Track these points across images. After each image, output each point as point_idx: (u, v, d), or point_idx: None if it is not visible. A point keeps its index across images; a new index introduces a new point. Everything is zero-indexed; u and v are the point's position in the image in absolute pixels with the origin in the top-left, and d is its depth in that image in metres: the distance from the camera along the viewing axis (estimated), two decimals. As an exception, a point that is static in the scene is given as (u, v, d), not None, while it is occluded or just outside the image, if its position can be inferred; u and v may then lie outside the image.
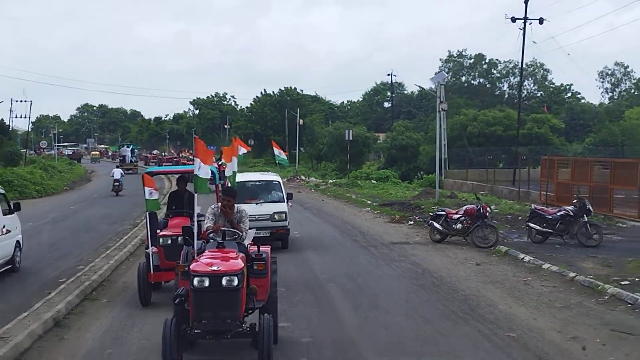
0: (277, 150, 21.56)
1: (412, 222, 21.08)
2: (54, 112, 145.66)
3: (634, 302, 10.25)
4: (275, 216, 16.52)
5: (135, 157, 68.01)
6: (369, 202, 28.14)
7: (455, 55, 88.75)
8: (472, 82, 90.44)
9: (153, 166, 52.10)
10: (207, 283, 7.01)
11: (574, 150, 51.31)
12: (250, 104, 79.48)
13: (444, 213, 17.29)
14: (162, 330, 7.07)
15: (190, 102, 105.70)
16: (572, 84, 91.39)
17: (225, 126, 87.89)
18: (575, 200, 17.02)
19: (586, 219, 16.21)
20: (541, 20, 34.18)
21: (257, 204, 16.67)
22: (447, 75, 49.86)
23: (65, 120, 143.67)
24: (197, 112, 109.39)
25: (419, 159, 53.04)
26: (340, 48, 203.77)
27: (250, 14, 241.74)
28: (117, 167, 39.23)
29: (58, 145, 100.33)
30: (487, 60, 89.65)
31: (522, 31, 34.91)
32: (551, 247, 15.75)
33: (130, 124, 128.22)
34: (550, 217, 16.59)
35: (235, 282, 7.07)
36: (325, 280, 12.71)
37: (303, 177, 47.82)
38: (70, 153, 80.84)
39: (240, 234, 8.19)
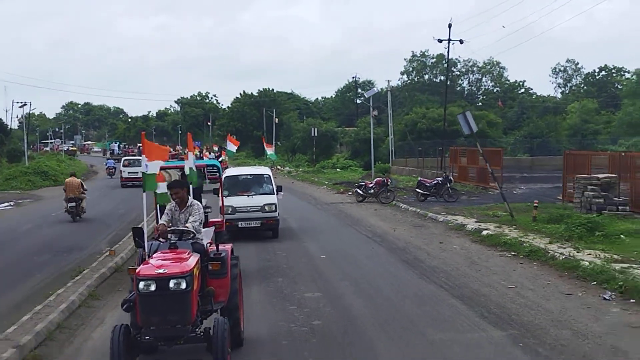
0: (268, 150, 31.75)
1: (350, 193, 32.00)
2: (38, 111, 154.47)
3: (433, 218, 21.29)
4: (266, 207, 18.16)
5: (121, 150, 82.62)
6: (326, 182, 39.22)
7: (418, 55, 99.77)
8: (435, 80, 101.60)
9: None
10: (153, 287, 6.85)
11: (506, 141, 62.64)
12: (232, 103, 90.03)
13: (363, 183, 28.36)
14: (110, 337, 7.00)
15: (175, 101, 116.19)
16: (525, 80, 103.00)
17: (208, 123, 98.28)
18: (443, 175, 28.11)
19: (448, 186, 27.26)
20: (461, 41, 45.12)
21: (248, 196, 18.53)
22: (378, 89, 60.73)
23: (51, 117, 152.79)
24: (179, 108, 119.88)
25: (379, 150, 63.97)
26: (321, 41, 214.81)
27: (232, 7, 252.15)
28: (109, 159, 55.23)
29: (50, 142, 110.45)
30: (447, 59, 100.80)
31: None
32: (426, 203, 26.63)
33: (116, 121, 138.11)
34: (428, 184, 27.60)
35: (184, 285, 6.89)
36: (288, 219, 23.28)
37: (279, 167, 58.59)
38: (67, 149, 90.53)
39: (193, 232, 7.97)
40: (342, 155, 74.91)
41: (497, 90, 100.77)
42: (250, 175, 19.88)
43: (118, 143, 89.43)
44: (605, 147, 63.32)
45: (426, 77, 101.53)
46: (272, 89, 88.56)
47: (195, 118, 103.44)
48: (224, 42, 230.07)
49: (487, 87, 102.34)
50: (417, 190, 27.85)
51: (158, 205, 11.60)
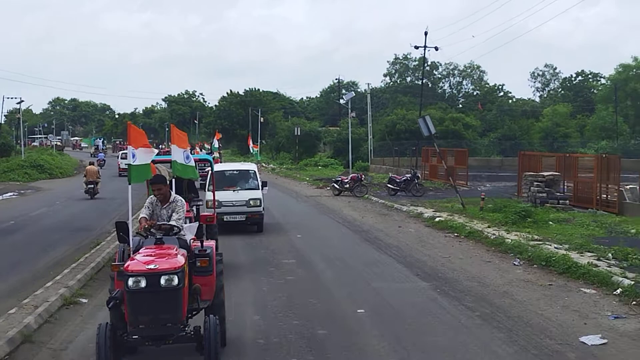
0: (253, 149, 34.76)
1: (328, 188, 35.08)
2: (24, 106, 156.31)
3: (397, 208, 24.45)
4: (251, 202, 18.80)
5: (104, 146, 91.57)
6: (307, 178, 42.34)
7: (400, 58, 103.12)
8: (416, 82, 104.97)
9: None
10: (143, 283, 6.62)
11: (481, 143, 66.10)
12: (219, 102, 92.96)
13: (340, 179, 31.51)
14: (96, 336, 6.79)
15: (162, 99, 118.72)
16: (504, 84, 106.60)
17: (195, 121, 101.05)
18: (411, 172, 31.33)
19: (416, 182, 30.45)
20: (437, 48, 48.38)
21: (234, 191, 19.06)
22: (354, 93, 64.02)
23: (37, 113, 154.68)
24: (165, 105, 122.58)
25: (360, 150, 67.20)
26: (307, 41, 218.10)
27: (218, 5, 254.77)
28: (99, 152, 66.91)
29: (38, 137, 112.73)
30: (429, 63, 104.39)
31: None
32: (396, 197, 29.73)
33: (103, 118, 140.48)
34: (398, 180, 30.77)
35: (176, 282, 6.69)
36: (271, 209, 26.24)
37: (264, 165, 61.62)
38: (58, 144, 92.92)
39: (179, 228, 7.88)
40: (325, 154, 77.98)
41: (477, 94, 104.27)
42: (237, 171, 20.47)
43: (102, 139, 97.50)
44: (575, 149, 67.08)
45: (408, 79, 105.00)
46: (258, 89, 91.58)
47: (182, 116, 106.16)
48: (210, 40, 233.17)
49: (467, 90, 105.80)
50: (389, 185, 31.00)
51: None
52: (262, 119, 76.45)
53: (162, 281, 6.68)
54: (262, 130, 78.23)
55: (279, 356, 8.16)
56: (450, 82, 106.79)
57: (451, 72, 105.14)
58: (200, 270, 7.63)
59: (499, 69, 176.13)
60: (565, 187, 26.23)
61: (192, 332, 7.08)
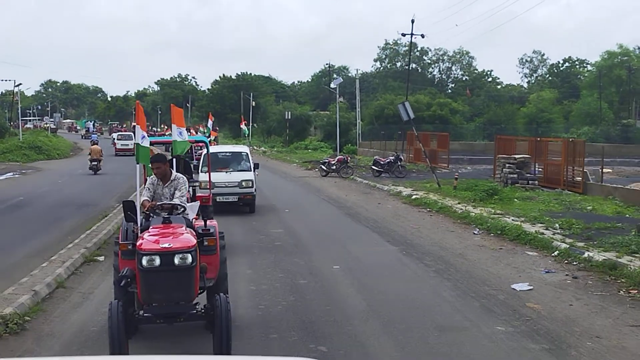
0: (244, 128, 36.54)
1: (316, 169, 37.04)
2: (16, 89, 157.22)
3: (379, 188, 26.46)
4: (243, 183, 19.27)
5: (95, 128, 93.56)
6: (297, 161, 44.34)
7: (391, 44, 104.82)
8: (406, 67, 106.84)
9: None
10: (157, 262, 6.71)
11: (467, 127, 68.19)
12: (211, 85, 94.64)
13: (327, 161, 33.47)
14: (108, 315, 6.85)
15: (155, 82, 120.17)
16: (492, 70, 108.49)
17: (187, 104, 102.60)
18: (395, 154, 33.32)
19: (399, 164, 32.45)
20: (423, 36, 50.39)
21: (227, 172, 19.56)
22: (342, 79, 65.87)
23: (29, 95, 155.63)
24: (158, 89, 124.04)
25: (349, 134, 69.17)
26: (300, 25, 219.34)
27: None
28: (92, 134, 68.82)
29: (30, 119, 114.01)
30: (419, 49, 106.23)
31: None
32: (380, 178, 31.69)
33: (96, 100, 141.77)
34: (382, 162, 32.76)
35: (190, 260, 6.80)
36: (262, 188, 28.22)
37: (255, 147, 63.50)
38: (52, 126, 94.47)
39: (183, 207, 7.89)
40: (316, 137, 79.99)
41: (466, 79, 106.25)
42: (230, 153, 21.02)
43: (93, 122, 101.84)
44: (558, 134, 69.29)
45: (398, 64, 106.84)
46: (250, 73, 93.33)
47: (174, 99, 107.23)
48: (202, 23, 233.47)
49: (456, 76, 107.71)
50: (373, 167, 32.98)
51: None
52: (254, 103, 78.23)
53: (176, 260, 6.75)
54: (254, 114, 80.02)
55: (268, 297, 10.15)
56: (439, 68, 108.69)
57: (441, 57, 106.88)
58: (206, 250, 7.60)
59: (489, 55, 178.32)
60: (537, 169, 28.28)
61: (202, 311, 7.21)
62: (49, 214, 19.94)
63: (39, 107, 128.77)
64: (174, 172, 8.64)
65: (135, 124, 8.42)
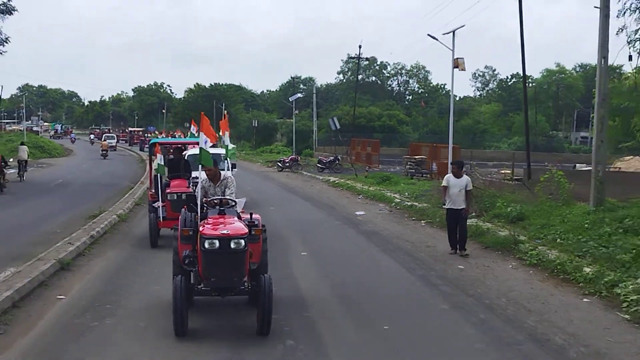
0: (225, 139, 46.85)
1: (275, 167, 48.10)
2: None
3: (317, 178, 37.78)
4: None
5: (63, 130, 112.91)
6: (261, 161, 55.67)
7: (353, 57, 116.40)
8: (367, 80, 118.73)
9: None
10: (217, 245, 8.22)
11: (413, 136, 79.90)
12: (187, 94, 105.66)
13: (282, 159, 44.81)
14: (173, 287, 8.36)
15: (132, 90, 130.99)
16: (445, 84, 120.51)
17: (163, 111, 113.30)
18: (334, 155, 44.75)
19: (337, 162, 43.82)
20: (367, 59, 61.84)
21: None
22: (300, 94, 77.22)
23: (5, 98, 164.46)
24: (132, 95, 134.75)
25: (310, 140, 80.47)
26: (271, 31, 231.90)
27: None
28: (71, 134, 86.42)
29: (8, 122, 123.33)
30: (379, 63, 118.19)
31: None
32: (322, 173, 42.86)
33: (72, 105, 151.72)
34: (325, 161, 44.12)
35: (242, 245, 8.30)
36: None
37: (226, 151, 74.55)
38: (36, 129, 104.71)
39: (234, 203, 9.51)
40: (281, 142, 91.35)
41: (422, 92, 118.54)
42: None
43: (61, 125, 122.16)
44: (492, 144, 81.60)
45: (360, 77, 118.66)
46: (223, 84, 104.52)
47: (150, 106, 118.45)
48: (175, 27, 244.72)
49: (413, 89, 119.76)
50: (318, 164, 44.30)
51: (157, 175, 16.19)
52: (226, 111, 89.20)
53: (232, 244, 8.21)
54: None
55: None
56: (398, 81, 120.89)
57: (399, 71, 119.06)
58: (252, 238, 8.84)
59: (444, 68, 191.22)
60: (433, 167, 39.72)
61: (249, 287, 8.78)
62: (86, 190, 30.66)
63: (16, 111, 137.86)
64: (223, 172, 10.24)
65: (200, 131, 9.94)
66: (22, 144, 38.16)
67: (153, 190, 16.56)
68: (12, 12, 34.82)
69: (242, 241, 8.31)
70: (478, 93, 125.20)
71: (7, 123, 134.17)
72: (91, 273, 12.53)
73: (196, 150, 17.29)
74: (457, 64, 23.76)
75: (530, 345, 8.48)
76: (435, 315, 9.88)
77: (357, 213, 22.01)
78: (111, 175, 38.63)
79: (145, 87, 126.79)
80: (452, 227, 14.84)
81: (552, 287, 11.68)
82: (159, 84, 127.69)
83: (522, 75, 31.34)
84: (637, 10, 17.90)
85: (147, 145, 62.72)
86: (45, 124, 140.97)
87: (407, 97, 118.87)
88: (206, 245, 8.26)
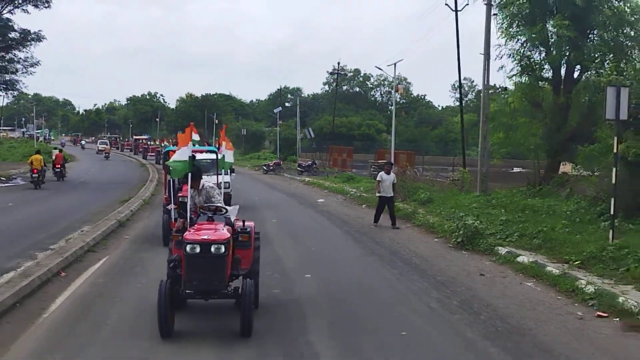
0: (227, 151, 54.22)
1: (261, 170, 55.92)
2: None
3: (295, 179, 45.78)
4: (222, 184, 20.76)
5: (50, 137, 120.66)
6: (249, 165, 63.73)
7: (333, 72, 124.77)
8: (351, 90, 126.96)
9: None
10: (198, 249, 8.69)
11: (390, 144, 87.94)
12: (179, 103, 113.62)
13: (267, 163, 52.90)
14: (158, 290, 8.73)
15: (127, 99, 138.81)
16: (425, 95, 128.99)
17: (157, 119, 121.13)
18: (312, 160, 52.80)
19: (315, 166, 51.86)
20: (345, 74, 69.84)
21: (207, 175, 20.61)
22: (281, 108, 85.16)
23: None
24: (125, 103, 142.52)
25: (294, 147, 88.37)
26: (265, 37, 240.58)
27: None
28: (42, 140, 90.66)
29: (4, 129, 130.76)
30: (362, 74, 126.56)
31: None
32: (302, 175, 50.71)
33: (68, 113, 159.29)
34: (304, 165, 52.15)
35: (222, 250, 8.74)
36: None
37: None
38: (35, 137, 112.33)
39: (225, 209, 10.02)
40: (269, 149, 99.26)
41: (404, 102, 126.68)
42: (210, 159, 23.53)
43: (49, 131, 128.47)
44: (459, 151, 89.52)
45: (344, 87, 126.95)
46: (214, 94, 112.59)
47: (144, 114, 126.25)
48: (169, 33, 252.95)
49: (393, 98, 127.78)
50: (298, 168, 52.30)
51: (171, 179, 16.98)
52: (216, 120, 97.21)
53: (212, 249, 8.75)
54: (216, 130, 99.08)
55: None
56: (381, 91, 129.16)
57: (382, 82, 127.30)
58: (241, 244, 9.74)
59: (427, 80, 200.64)
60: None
61: (232, 291, 9.19)
62: (106, 187, 38.23)
63: (12, 119, 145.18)
64: (201, 182, 10.71)
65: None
66: (38, 152, 45.56)
67: (167, 194, 18.64)
68: (42, 39, 42.55)
69: (223, 246, 8.80)
70: (457, 103, 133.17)
71: (4, 130, 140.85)
72: (137, 229, 20.46)
73: (202, 156, 21.00)
74: (397, 89, 31.66)
75: (390, 256, 16.37)
76: (342, 242, 18.27)
77: (319, 200, 29.97)
78: (122, 176, 46.45)
79: (140, 96, 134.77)
80: (380, 208, 22.05)
81: (422, 235, 19.76)
82: (152, 94, 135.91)
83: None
84: (511, 55, 26.01)
85: (151, 154, 70.98)
86: (38, 131, 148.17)
87: (389, 107, 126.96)
88: (188, 250, 8.77)
